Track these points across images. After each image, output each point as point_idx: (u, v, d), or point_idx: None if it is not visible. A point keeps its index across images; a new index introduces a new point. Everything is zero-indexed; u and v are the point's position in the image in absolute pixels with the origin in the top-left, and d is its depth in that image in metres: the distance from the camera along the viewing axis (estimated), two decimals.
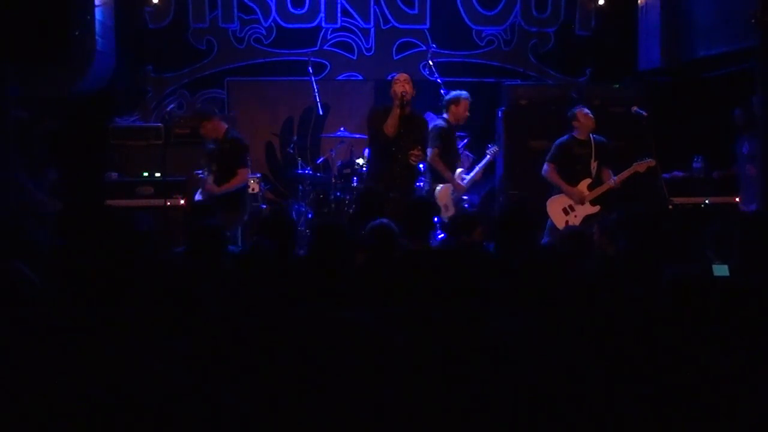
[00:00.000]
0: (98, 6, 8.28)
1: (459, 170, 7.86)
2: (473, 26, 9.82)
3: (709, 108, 8.87)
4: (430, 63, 8.91)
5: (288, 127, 9.68)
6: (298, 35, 9.68)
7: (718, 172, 8.53)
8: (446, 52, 9.67)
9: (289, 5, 9.67)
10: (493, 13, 9.83)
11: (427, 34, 9.79)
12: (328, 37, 9.77)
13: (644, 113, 7.64)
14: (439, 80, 8.63)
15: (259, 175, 8.66)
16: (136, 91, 9.50)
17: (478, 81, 9.78)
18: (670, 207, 7.26)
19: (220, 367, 2.74)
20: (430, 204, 6.30)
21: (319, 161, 9.07)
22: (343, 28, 9.78)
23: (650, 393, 2.76)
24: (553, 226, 7.46)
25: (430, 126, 7.73)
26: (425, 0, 9.77)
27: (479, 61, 9.87)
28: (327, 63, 9.74)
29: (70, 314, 2.96)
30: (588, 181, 7.58)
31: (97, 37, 8.23)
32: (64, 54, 6.66)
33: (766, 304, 3.35)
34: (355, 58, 9.82)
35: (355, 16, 9.76)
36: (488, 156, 8.04)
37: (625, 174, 7.52)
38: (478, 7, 9.80)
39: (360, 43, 9.81)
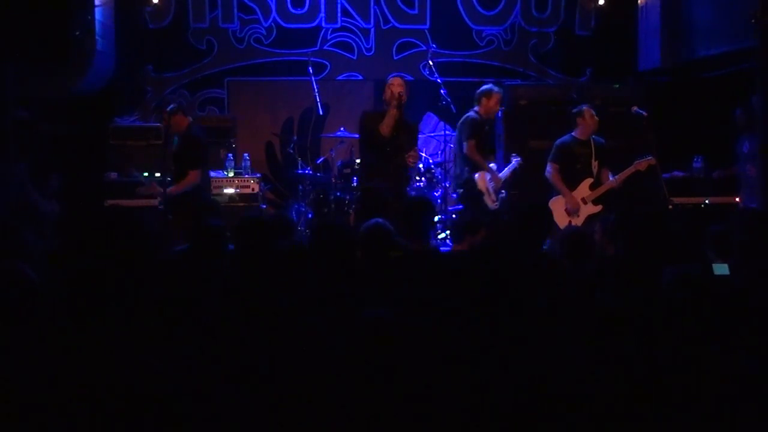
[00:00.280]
0: (98, 6, 8.28)
1: (492, 165, 7.90)
2: (473, 26, 9.82)
3: (709, 108, 8.86)
4: (430, 63, 8.90)
5: (288, 127, 9.68)
6: (298, 35, 9.68)
7: (718, 172, 8.52)
8: (446, 52, 9.67)
9: (289, 5, 9.67)
10: (493, 13, 9.83)
11: (427, 34, 9.79)
12: (328, 37, 9.77)
13: (644, 113, 7.64)
14: (439, 80, 8.63)
15: (259, 175, 8.65)
16: (136, 91, 9.50)
17: (478, 81, 9.75)
18: (670, 207, 7.26)
19: (221, 368, 2.74)
20: (429, 203, 6.29)
21: (319, 161, 9.06)
22: (343, 28, 9.78)
23: (650, 393, 2.76)
24: (556, 227, 7.47)
25: (464, 118, 7.80)
26: (425, 0, 9.77)
27: (479, 61, 9.87)
28: (327, 63, 9.74)
29: (71, 314, 2.96)
30: (590, 180, 7.60)
31: (97, 37, 8.23)
32: (64, 54, 6.66)
33: (766, 303, 3.35)
34: (355, 58, 9.82)
35: (355, 16, 9.76)
36: (514, 163, 8.03)
37: (626, 173, 7.53)
38: (478, 7, 9.79)
39: (360, 43, 9.81)
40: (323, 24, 9.72)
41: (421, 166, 8.33)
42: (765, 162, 7.25)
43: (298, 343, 3.06)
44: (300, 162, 8.86)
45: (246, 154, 8.80)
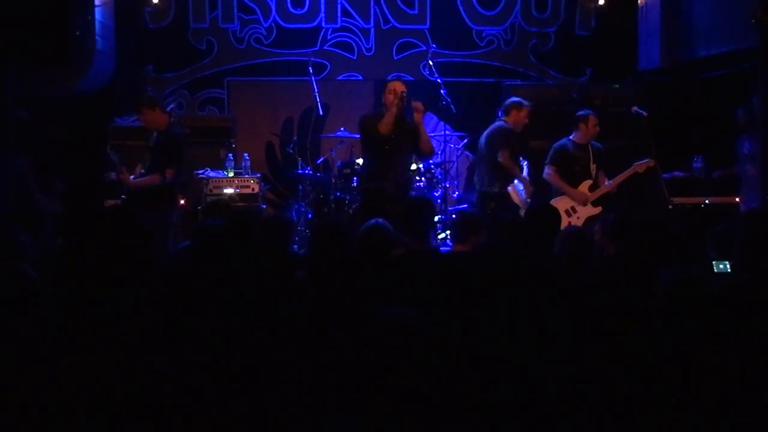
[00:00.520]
0: (98, 6, 8.27)
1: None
2: (473, 26, 9.82)
3: (709, 108, 8.87)
4: (430, 63, 8.91)
5: (288, 127, 9.68)
6: (298, 35, 9.68)
7: (718, 172, 8.51)
8: (446, 52, 9.67)
9: (289, 5, 9.67)
10: (493, 13, 9.83)
11: (427, 34, 9.79)
12: (328, 37, 9.77)
13: (644, 113, 7.65)
14: (439, 80, 8.63)
15: (259, 175, 8.66)
16: (136, 91, 9.50)
17: (478, 81, 9.78)
18: (670, 207, 7.27)
19: (224, 369, 2.74)
20: (430, 203, 6.30)
21: (319, 161, 9.06)
22: (343, 28, 9.78)
23: (650, 393, 2.76)
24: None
25: (496, 128, 7.74)
26: (425, 0, 9.77)
27: (479, 61, 9.87)
28: (327, 63, 9.74)
29: (72, 314, 2.96)
30: (589, 182, 7.61)
31: (97, 37, 8.23)
32: (64, 54, 6.65)
33: (765, 303, 3.35)
34: (355, 58, 9.82)
35: (355, 16, 9.76)
36: (526, 167, 8.03)
37: (625, 175, 7.54)
38: (478, 7, 9.80)
39: (360, 43, 9.81)
40: (323, 24, 9.72)
41: (420, 166, 8.33)
42: (765, 162, 7.25)
43: (298, 342, 3.06)
44: (300, 162, 8.87)
45: (246, 154, 8.80)
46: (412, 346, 2.60)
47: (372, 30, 9.80)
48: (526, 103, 7.85)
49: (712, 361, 2.91)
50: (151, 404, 2.35)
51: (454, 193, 9.16)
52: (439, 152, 8.89)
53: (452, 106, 8.54)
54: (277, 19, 9.66)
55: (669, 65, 8.94)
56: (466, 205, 9.06)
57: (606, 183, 7.59)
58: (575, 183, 7.59)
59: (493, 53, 9.88)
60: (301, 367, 2.84)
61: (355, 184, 8.25)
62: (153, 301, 3.03)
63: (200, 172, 8.38)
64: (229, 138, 8.93)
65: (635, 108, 7.75)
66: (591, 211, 7.54)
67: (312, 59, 9.22)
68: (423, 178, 8.43)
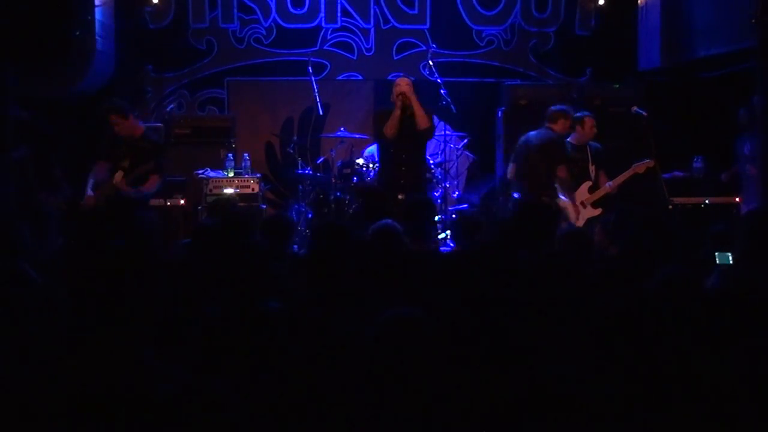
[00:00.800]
0: (98, 6, 8.28)
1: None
2: (473, 26, 9.82)
3: (709, 108, 8.86)
4: (430, 63, 8.91)
5: (288, 127, 9.68)
6: (298, 35, 9.68)
7: (726, 174, 8.44)
8: (446, 52, 9.66)
9: (289, 5, 9.67)
10: (493, 13, 9.83)
11: (427, 34, 9.79)
12: (328, 37, 9.77)
13: (644, 113, 7.65)
14: (439, 80, 8.64)
15: (259, 175, 8.65)
16: (136, 91, 9.50)
17: (478, 81, 9.78)
18: (670, 207, 7.26)
19: (223, 368, 2.74)
20: (430, 203, 6.30)
21: (319, 161, 9.06)
22: (343, 28, 9.78)
23: (649, 393, 2.76)
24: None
25: (550, 138, 7.50)
26: (425, 0, 9.77)
27: (479, 61, 9.87)
28: (327, 63, 9.74)
29: (72, 313, 2.96)
30: (588, 183, 7.61)
31: (97, 37, 8.23)
32: (64, 54, 6.66)
33: (762, 302, 3.35)
34: (355, 58, 9.82)
35: (355, 16, 9.75)
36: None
37: (624, 176, 7.54)
38: (478, 7, 9.79)
39: (360, 43, 9.81)
40: (323, 24, 9.72)
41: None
42: (765, 162, 7.25)
43: (298, 342, 3.06)
44: (300, 162, 8.86)
45: (246, 154, 8.80)
46: (412, 346, 2.60)
47: (372, 30, 9.80)
48: (588, 114, 7.72)
49: (712, 361, 2.91)
50: (152, 405, 2.35)
51: (454, 193, 9.16)
52: (439, 152, 8.89)
53: (452, 106, 8.55)
54: (277, 19, 9.66)
55: (669, 65, 8.93)
56: (466, 205, 9.06)
57: (606, 185, 7.59)
58: (576, 185, 7.59)
59: (493, 53, 9.87)
60: (301, 368, 2.84)
61: (355, 183, 8.27)
62: (153, 301, 3.04)
63: (200, 172, 8.37)
64: (229, 138, 8.93)
65: (635, 108, 7.75)
66: (590, 212, 7.54)
67: (312, 59, 9.22)
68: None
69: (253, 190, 8.41)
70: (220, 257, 4.59)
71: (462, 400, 2.65)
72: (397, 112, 7.30)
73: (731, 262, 4.33)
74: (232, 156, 8.63)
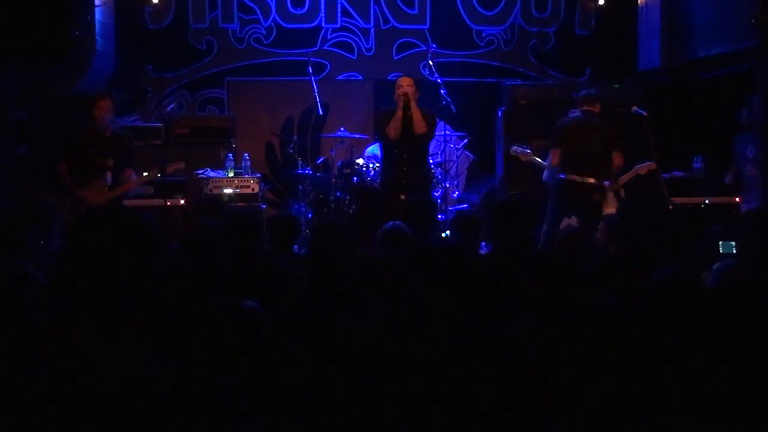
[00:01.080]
0: (98, 6, 8.27)
1: None
2: (473, 26, 9.82)
3: (709, 108, 8.86)
4: (430, 63, 8.91)
5: (288, 127, 9.68)
6: (298, 35, 9.68)
7: (729, 176, 8.40)
8: (446, 52, 9.67)
9: (289, 5, 9.67)
10: (493, 13, 9.83)
11: (427, 34, 9.79)
12: (328, 37, 9.77)
13: (644, 113, 7.64)
14: (439, 80, 8.64)
15: (259, 175, 8.66)
16: (136, 91, 9.50)
17: (478, 81, 9.79)
18: (670, 207, 7.26)
19: (223, 368, 2.74)
20: (432, 203, 6.31)
21: (319, 161, 9.06)
22: (343, 28, 9.78)
23: (649, 393, 2.76)
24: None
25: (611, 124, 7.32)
26: (425, 0, 9.77)
27: (479, 61, 9.87)
28: (327, 63, 9.74)
29: (74, 313, 2.95)
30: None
31: (97, 37, 8.23)
32: (64, 54, 6.65)
33: (762, 302, 3.35)
34: (355, 58, 9.82)
35: (355, 16, 9.76)
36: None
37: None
38: (478, 7, 9.80)
39: (360, 43, 9.82)
40: (323, 24, 9.72)
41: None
42: (765, 162, 7.25)
43: (298, 342, 3.06)
44: (300, 162, 8.86)
45: (246, 154, 8.80)
46: (397, 347, 2.60)
47: (372, 30, 9.81)
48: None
49: (711, 360, 2.91)
50: (153, 405, 2.35)
51: (454, 193, 9.16)
52: (439, 152, 8.90)
53: (452, 106, 8.55)
54: (277, 19, 9.66)
55: (669, 65, 8.93)
56: (466, 205, 9.06)
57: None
58: None
59: (493, 53, 9.88)
60: (301, 368, 2.84)
61: (355, 183, 8.27)
62: (156, 302, 3.03)
63: (200, 172, 8.37)
64: (229, 138, 8.93)
65: (635, 108, 7.74)
66: None
67: (312, 59, 9.22)
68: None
69: (253, 190, 8.40)
70: (221, 258, 4.60)
71: (458, 401, 2.65)
72: (399, 113, 7.30)
73: (735, 251, 4.34)
74: (232, 156, 8.63)
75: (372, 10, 9.77)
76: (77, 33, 7.35)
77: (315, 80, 8.92)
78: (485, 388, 2.73)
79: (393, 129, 7.30)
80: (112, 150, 6.92)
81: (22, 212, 6.22)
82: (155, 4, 9.32)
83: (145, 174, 7.15)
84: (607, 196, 7.25)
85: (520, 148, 7.78)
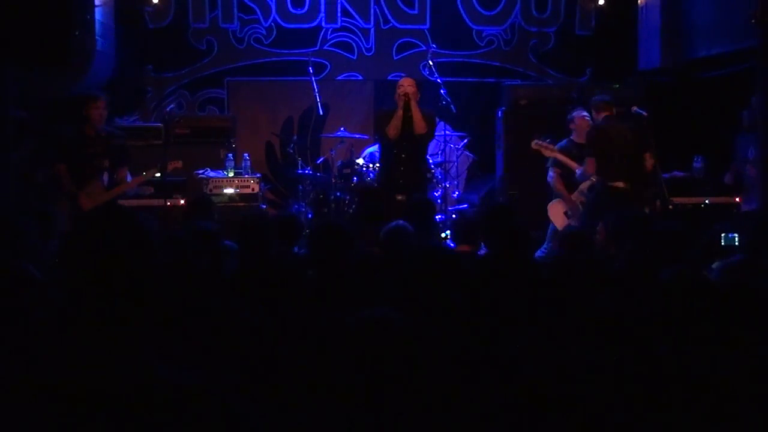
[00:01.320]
0: (98, 6, 8.27)
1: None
2: (473, 26, 9.82)
3: (709, 108, 8.86)
4: (430, 63, 8.91)
5: (288, 127, 9.68)
6: (298, 35, 9.68)
7: (729, 176, 8.40)
8: (446, 52, 9.67)
9: (289, 5, 9.67)
10: (493, 13, 9.83)
11: (427, 34, 9.79)
12: (328, 37, 9.77)
13: (644, 113, 7.64)
14: (439, 80, 8.64)
15: (259, 175, 8.66)
16: (136, 91, 9.50)
17: (478, 81, 9.78)
18: (670, 207, 7.25)
19: (224, 368, 2.74)
20: (430, 203, 6.31)
21: (319, 161, 9.07)
22: (343, 28, 9.78)
23: (650, 395, 2.76)
24: (556, 231, 7.47)
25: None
26: (425, 0, 9.77)
27: (479, 61, 9.87)
28: (327, 63, 9.74)
29: (73, 313, 2.96)
30: (589, 183, 7.59)
31: (97, 37, 8.22)
32: (64, 54, 6.66)
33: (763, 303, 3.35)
34: (355, 58, 9.82)
35: (355, 16, 9.76)
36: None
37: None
38: (478, 7, 9.79)
39: (360, 43, 9.81)
40: (323, 24, 9.72)
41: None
42: (765, 162, 7.25)
43: (296, 342, 3.06)
44: (300, 162, 8.86)
45: (246, 154, 8.80)
46: (384, 348, 2.59)
47: (372, 30, 9.80)
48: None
49: (712, 362, 2.91)
50: (152, 405, 2.35)
51: (454, 193, 9.16)
52: (439, 152, 8.90)
53: (452, 106, 8.55)
54: (277, 19, 9.66)
55: (669, 65, 8.93)
56: (466, 205, 9.07)
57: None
58: (577, 183, 7.59)
59: (493, 53, 9.87)
60: (301, 368, 2.84)
61: (355, 183, 8.27)
62: (155, 302, 3.03)
63: (200, 172, 8.37)
64: (229, 138, 8.92)
65: (635, 108, 7.73)
66: None
67: (312, 59, 9.22)
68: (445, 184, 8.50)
69: (253, 190, 8.40)
70: (219, 259, 4.60)
71: (458, 400, 2.65)
72: (400, 112, 7.30)
73: (737, 244, 4.34)
74: (232, 156, 8.63)
75: (372, 10, 9.76)
76: (77, 33, 7.35)
77: (315, 80, 8.92)
78: (485, 389, 2.73)
79: (393, 128, 7.31)
80: (108, 151, 6.90)
81: (22, 212, 6.23)
82: (155, 4, 9.31)
83: (143, 174, 7.14)
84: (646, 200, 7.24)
85: (543, 141, 7.67)
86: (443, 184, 8.61)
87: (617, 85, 9.13)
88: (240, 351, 2.84)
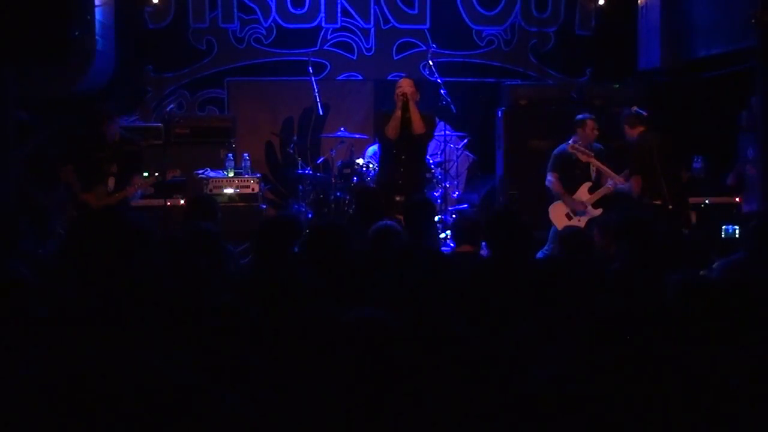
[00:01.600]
0: (98, 6, 8.27)
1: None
2: (473, 26, 9.82)
3: (709, 108, 8.86)
4: (430, 63, 8.91)
5: (288, 127, 9.68)
6: (298, 35, 9.68)
7: (731, 177, 8.38)
8: (446, 52, 9.66)
9: (289, 5, 9.67)
10: (493, 13, 9.83)
11: (427, 34, 9.79)
12: (328, 37, 9.77)
13: (644, 113, 7.64)
14: (439, 80, 8.64)
15: (259, 175, 8.66)
16: (136, 91, 9.50)
17: (478, 81, 9.78)
18: (670, 207, 7.25)
19: (223, 367, 2.74)
20: (429, 204, 6.30)
21: (319, 161, 9.07)
22: (343, 28, 9.78)
23: (651, 395, 2.76)
24: (557, 232, 7.46)
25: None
26: (425, 0, 9.77)
27: (479, 61, 9.87)
28: (327, 63, 9.74)
29: (70, 313, 2.96)
30: (588, 184, 7.59)
31: (97, 37, 8.23)
32: (64, 54, 6.64)
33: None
34: (355, 58, 9.81)
35: (355, 16, 9.75)
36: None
37: (626, 177, 7.52)
38: (478, 7, 9.79)
39: (360, 43, 9.81)
40: (323, 24, 9.72)
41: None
42: (765, 162, 7.24)
43: (295, 342, 3.06)
44: (300, 162, 8.87)
45: (246, 154, 8.80)
46: (375, 348, 2.60)
47: (372, 30, 9.80)
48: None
49: (713, 363, 2.91)
50: (151, 406, 2.35)
51: (454, 193, 9.16)
52: (439, 152, 8.90)
53: (452, 106, 8.55)
54: (277, 19, 9.66)
55: (669, 65, 8.93)
56: (466, 205, 9.07)
57: (608, 183, 7.57)
58: (575, 185, 7.59)
59: (493, 53, 9.87)
60: (300, 368, 2.84)
61: (355, 183, 8.27)
62: (152, 302, 3.03)
63: (200, 172, 8.37)
64: (229, 138, 8.93)
65: (635, 108, 7.74)
66: (592, 213, 7.53)
67: (312, 59, 9.22)
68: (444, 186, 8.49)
69: (253, 190, 8.41)
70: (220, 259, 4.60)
71: (457, 401, 2.65)
72: (398, 113, 7.30)
73: (737, 236, 4.34)
74: (232, 156, 8.63)
75: (372, 10, 9.76)
76: (77, 33, 7.33)
77: (315, 80, 8.92)
78: (485, 390, 2.73)
79: (391, 129, 7.30)
80: (117, 156, 6.97)
81: (19, 213, 6.23)
82: (155, 4, 9.31)
83: (144, 175, 7.15)
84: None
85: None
86: (443, 184, 8.61)
87: (617, 85, 9.14)
88: (240, 351, 2.84)
